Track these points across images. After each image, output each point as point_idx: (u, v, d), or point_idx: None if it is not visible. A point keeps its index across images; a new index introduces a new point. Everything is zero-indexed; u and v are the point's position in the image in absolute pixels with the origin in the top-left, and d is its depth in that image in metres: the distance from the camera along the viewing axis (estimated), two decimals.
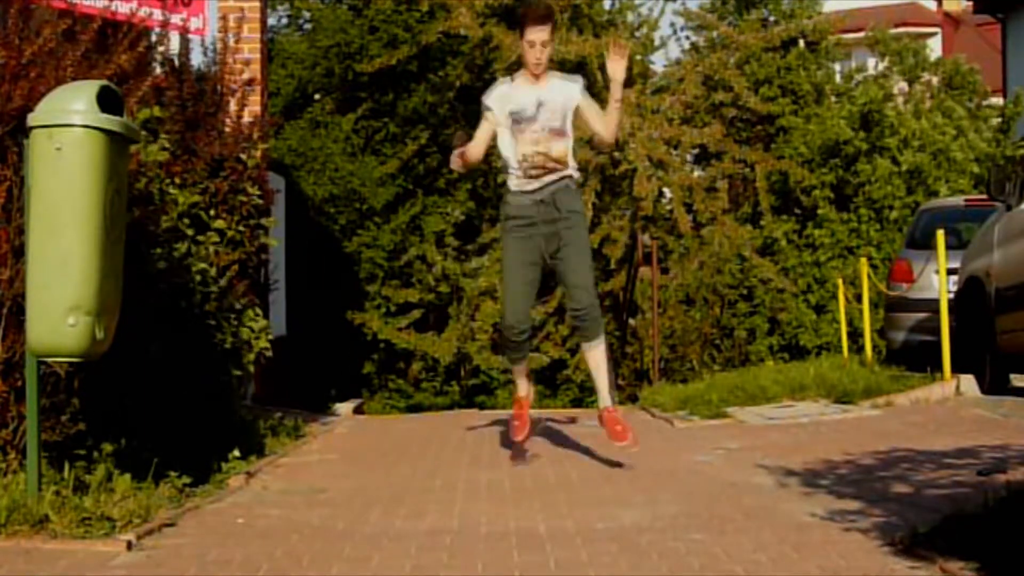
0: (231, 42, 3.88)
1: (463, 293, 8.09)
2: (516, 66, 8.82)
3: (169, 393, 2.86)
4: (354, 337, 7.95)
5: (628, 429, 3.15)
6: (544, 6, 3.31)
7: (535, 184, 3.14)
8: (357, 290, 8.02)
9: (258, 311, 3.52)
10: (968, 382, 4.41)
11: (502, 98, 3.18)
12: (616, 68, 3.16)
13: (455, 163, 3.28)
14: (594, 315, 3.14)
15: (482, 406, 7.50)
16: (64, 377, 2.51)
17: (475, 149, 3.24)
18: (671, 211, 8.10)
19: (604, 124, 3.20)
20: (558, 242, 3.13)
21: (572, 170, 3.19)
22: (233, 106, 3.76)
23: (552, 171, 3.14)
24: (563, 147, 3.16)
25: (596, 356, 3.18)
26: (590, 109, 3.20)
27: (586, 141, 3.19)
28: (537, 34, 3.12)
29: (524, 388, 3.36)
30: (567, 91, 3.19)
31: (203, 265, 3.15)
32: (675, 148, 8.16)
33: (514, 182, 3.16)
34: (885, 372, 5.10)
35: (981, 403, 4.15)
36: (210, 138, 3.47)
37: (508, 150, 3.17)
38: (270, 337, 3.57)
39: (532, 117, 3.14)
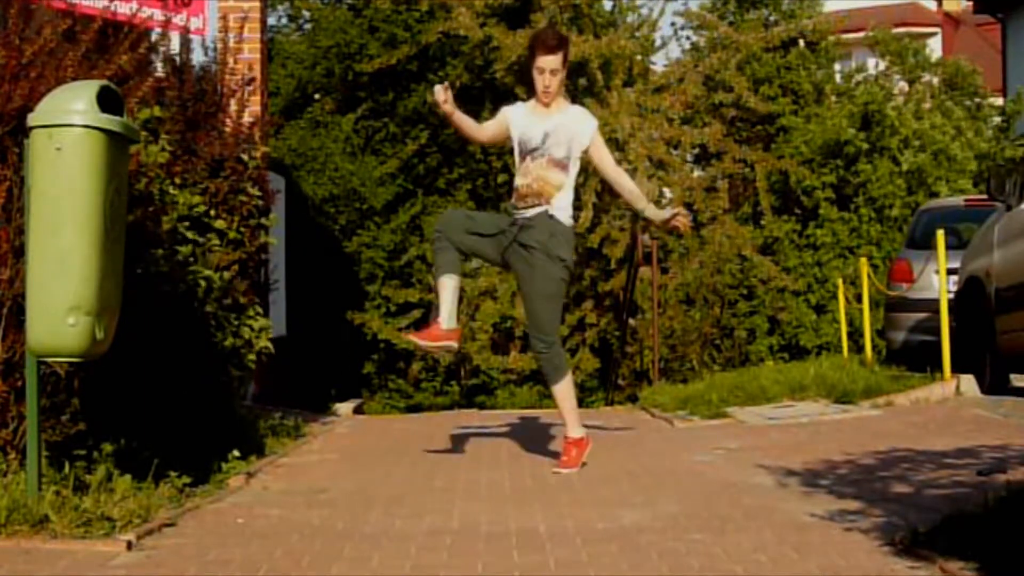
0: (231, 42, 3.88)
1: (463, 293, 8.08)
2: (515, 67, 8.80)
3: (169, 393, 2.86)
4: (354, 337, 7.94)
5: (573, 460, 3.11)
6: (555, 34, 3.30)
7: (516, 211, 3.13)
8: (357, 290, 8.01)
9: (259, 310, 3.53)
10: (968, 382, 4.42)
11: (517, 119, 3.18)
12: (666, 220, 3.21)
13: (440, 95, 3.13)
14: (549, 362, 3.08)
15: (482, 406, 7.50)
16: (64, 377, 2.51)
17: (479, 131, 3.26)
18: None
19: (618, 175, 3.21)
20: (518, 268, 3.11)
21: (557, 206, 3.10)
22: (233, 106, 3.76)
23: (532, 205, 3.09)
24: (559, 179, 3.12)
25: (557, 392, 3.13)
26: (601, 151, 3.19)
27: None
28: (546, 61, 3.12)
29: (447, 317, 3.08)
30: (579, 127, 3.16)
31: (206, 271, 3.15)
32: (675, 148, 8.15)
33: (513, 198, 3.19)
34: (885, 372, 5.11)
35: (981, 403, 4.15)
36: (210, 138, 3.47)
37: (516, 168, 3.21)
38: (270, 336, 3.57)
39: (536, 148, 3.14)
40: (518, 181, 3.16)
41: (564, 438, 3.18)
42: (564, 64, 3.16)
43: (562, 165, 3.14)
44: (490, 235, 3.14)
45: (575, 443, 3.14)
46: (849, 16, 9.68)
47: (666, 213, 3.25)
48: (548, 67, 3.12)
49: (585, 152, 3.16)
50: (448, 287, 3.13)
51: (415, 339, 3.23)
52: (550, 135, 3.13)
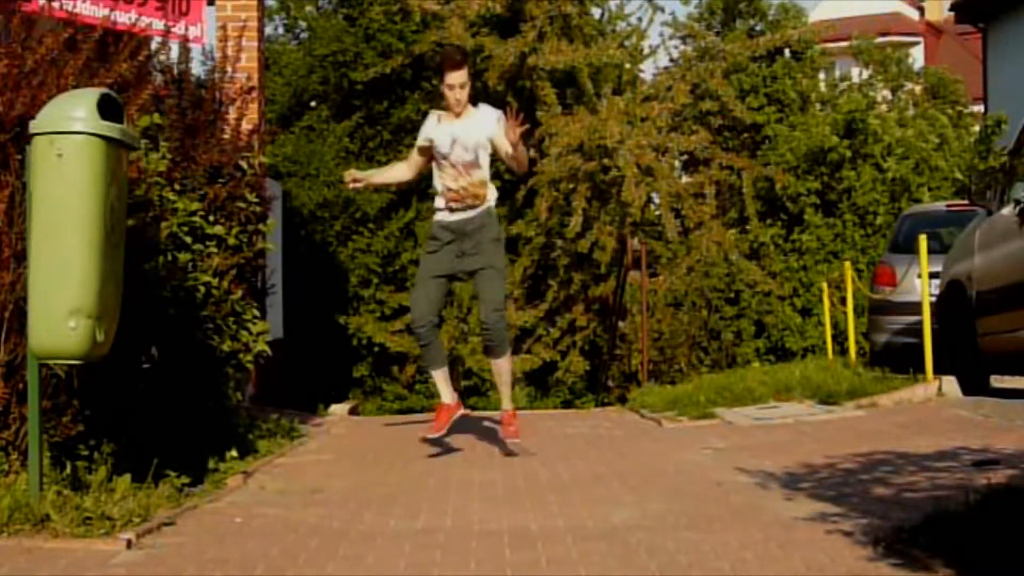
0: (230, 51, 3.93)
1: (455, 297, 8.14)
2: (507, 74, 8.87)
3: (169, 395, 2.90)
4: (349, 340, 7.98)
5: (517, 429, 3.54)
6: (459, 51, 3.70)
7: (453, 217, 3.48)
8: (352, 294, 8.06)
9: (256, 313, 3.57)
10: (950, 383, 4.48)
11: (428, 133, 3.54)
12: (510, 135, 3.50)
13: (352, 182, 3.64)
14: (500, 333, 3.48)
15: (474, 407, 7.53)
16: (65, 379, 2.54)
17: (402, 168, 3.70)
18: (659, 216, 8.20)
19: (515, 159, 3.53)
20: (472, 264, 3.47)
21: (490, 200, 3.51)
22: (232, 114, 3.80)
23: (471, 206, 3.49)
24: (479, 178, 3.49)
25: (500, 366, 3.54)
26: (502, 140, 3.50)
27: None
28: (456, 78, 3.46)
29: (448, 395, 3.57)
30: (482, 125, 3.51)
31: (204, 276, 3.19)
32: (663, 155, 8.26)
33: (438, 210, 3.53)
34: (869, 373, 5.15)
35: (962, 404, 4.21)
36: (209, 145, 3.51)
37: (435, 181, 3.56)
38: (268, 339, 3.61)
39: (447, 154, 3.48)
40: (447, 183, 3.49)
41: (504, 412, 3.55)
42: (469, 77, 3.53)
43: (474, 165, 3.49)
44: (445, 273, 3.50)
45: (515, 414, 3.55)
46: (832, 27, 9.83)
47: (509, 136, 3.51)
48: (457, 82, 3.46)
49: (492, 144, 3.50)
50: (441, 376, 3.54)
51: (433, 436, 3.54)
52: (457, 140, 3.48)
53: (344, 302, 7.97)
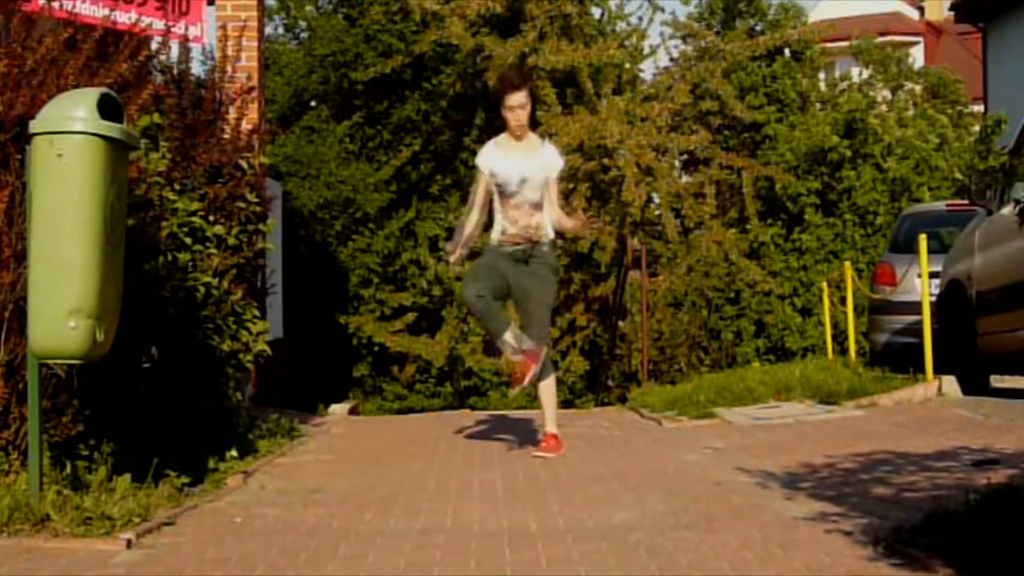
0: (230, 50, 3.93)
1: (455, 296, 8.16)
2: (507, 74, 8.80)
3: (169, 394, 2.90)
4: (349, 340, 8.00)
5: (551, 447, 3.46)
6: (519, 73, 3.66)
7: (511, 249, 3.41)
8: (352, 294, 8.07)
9: (256, 313, 3.57)
10: (950, 383, 4.49)
11: (489, 162, 3.41)
12: (573, 227, 3.64)
13: (454, 257, 3.50)
14: (544, 358, 3.41)
15: (474, 407, 7.55)
16: (65, 379, 2.55)
17: (476, 215, 3.46)
18: (659, 216, 8.20)
19: (555, 210, 3.47)
20: (527, 282, 3.38)
21: (547, 237, 3.43)
22: (232, 114, 3.81)
23: (528, 240, 3.42)
24: (541, 219, 3.41)
25: (546, 389, 3.46)
26: (554, 189, 3.45)
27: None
28: (515, 99, 3.37)
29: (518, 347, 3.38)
30: (548, 165, 3.42)
31: (204, 276, 3.19)
32: (663, 155, 8.26)
33: (495, 238, 3.42)
34: (869, 373, 5.15)
35: (962, 404, 4.21)
36: (209, 145, 3.51)
37: (496, 213, 3.43)
38: (268, 339, 3.62)
39: (513, 192, 3.37)
40: (508, 228, 3.39)
41: (546, 433, 3.49)
42: (530, 98, 3.42)
43: (539, 207, 3.40)
44: (501, 271, 3.38)
45: (556, 437, 3.49)
46: (832, 27, 9.84)
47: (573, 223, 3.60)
48: (517, 103, 3.37)
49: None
50: (511, 336, 3.36)
51: (523, 384, 3.42)
52: (527, 181, 3.37)
53: (344, 302, 7.98)
